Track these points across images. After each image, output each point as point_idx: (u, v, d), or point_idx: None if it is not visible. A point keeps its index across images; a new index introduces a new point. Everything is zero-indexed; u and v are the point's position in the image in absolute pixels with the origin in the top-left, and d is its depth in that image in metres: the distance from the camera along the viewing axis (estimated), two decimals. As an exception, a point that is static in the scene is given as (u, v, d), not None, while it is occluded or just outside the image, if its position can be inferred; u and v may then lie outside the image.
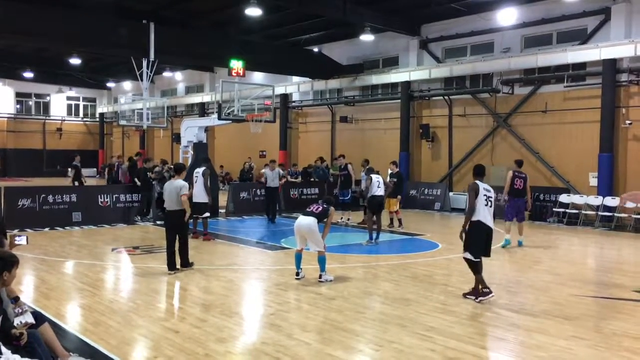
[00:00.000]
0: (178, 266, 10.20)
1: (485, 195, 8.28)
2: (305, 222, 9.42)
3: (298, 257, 9.63)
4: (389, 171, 16.80)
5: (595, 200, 17.88)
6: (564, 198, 18.52)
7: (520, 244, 13.46)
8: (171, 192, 10.16)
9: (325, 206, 9.70)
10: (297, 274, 9.60)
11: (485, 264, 11.32)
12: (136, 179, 17.50)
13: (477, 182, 8.40)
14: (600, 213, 17.58)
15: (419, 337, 6.60)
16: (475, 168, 8.77)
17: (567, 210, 18.20)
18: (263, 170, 18.85)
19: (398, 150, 23.63)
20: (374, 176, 13.72)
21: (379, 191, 13.57)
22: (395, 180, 16.27)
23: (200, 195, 13.97)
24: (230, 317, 7.44)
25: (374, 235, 13.59)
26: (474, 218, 8.34)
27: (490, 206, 8.32)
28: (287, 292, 8.86)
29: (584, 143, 18.88)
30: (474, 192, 8.29)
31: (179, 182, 10.22)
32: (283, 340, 6.45)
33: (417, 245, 13.87)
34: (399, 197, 16.61)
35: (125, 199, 17.39)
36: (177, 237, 10.20)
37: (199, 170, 14.29)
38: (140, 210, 17.30)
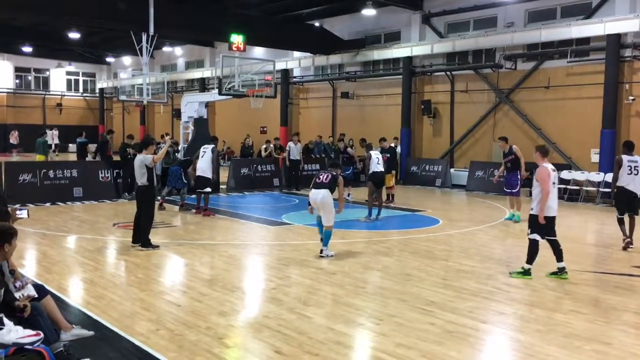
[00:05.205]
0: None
1: (629, 165, 10.35)
2: (319, 195, 9.49)
3: (320, 223, 9.71)
4: (379, 148, 16.76)
5: (597, 176, 17.85)
6: (565, 174, 18.48)
7: (516, 218, 13.78)
8: (135, 167, 10.04)
9: (333, 174, 9.75)
10: (322, 239, 9.66)
11: (487, 241, 11.40)
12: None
13: (623, 155, 10.52)
14: (601, 189, 17.56)
15: (419, 312, 6.64)
16: (624, 143, 10.87)
17: (569, 187, 18.19)
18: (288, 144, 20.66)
19: (399, 126, 23.54)
20: (372, 153, 13.71)
21: (379, 167, 13.58)
22: (388, 155, 16.22)
23: (205, 170, 13.96)
24: (232, 291, 7.49)
25: (375, 212, 13.61)
26: (618, 184, 10.45)
27: (636, 174, 10.34)
28: (288, 267, 8.90)
29: (586, 119, 18.78)
30: (617, 164, 10.50)
31: (142, 156, 9.94)
32: (284, 314, 6.50)
33: (418, 221, 13.90)
34: (393, 172, 16.61)
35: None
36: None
37: (208, 147, 14.23)
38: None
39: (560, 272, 8.29)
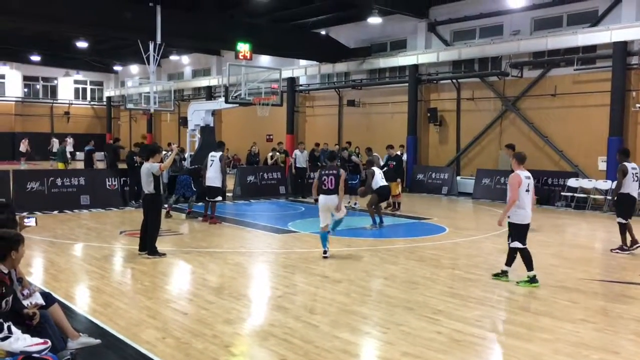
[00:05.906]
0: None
1: (632, 172, 10.66)
2: (330, 200, 10.03)
3: (324, 236, 10.07)
4: (386, 155, 16.78)
5: (604, 184, 17.77)
6: (572, 182, 18.41)
7: None
8: (142, 175, 10.04)
9: (334, 172, 10.08)
10: (325, 252, 9.95)
11: (493, 249, 11.36)
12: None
13: (625, 163, 10.75)
14: (608, 197, 17.47)
15: (426, 320, 6.62)
16: (622, 151, 11.27)
17: (576, 195, 18.11)
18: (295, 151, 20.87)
19: (405, 134, 23.54)
20: (375, 169, 13.88)
21: (384, 181, 13.77)
22: (394, 163, 16.25)
23: (214, 179, 13.97)
24: (238, 299, 7.49)
25: (378, 219, 13.65)
26: (623, 190, 10.72)
27: (636, 180, 10.76)
28: (294, 275, 8.90)
29: (593, 127, 18.72)
30: (622, 173, 10.66)
31: (148, 165, 9.91)
32: (290, 322, 6.49)
33: (424, 229, 13.87)
34: (399, 180, 16.63)
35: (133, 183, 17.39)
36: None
37: (216, 155, 14.15)
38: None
39: (503, 274, 8.56)
